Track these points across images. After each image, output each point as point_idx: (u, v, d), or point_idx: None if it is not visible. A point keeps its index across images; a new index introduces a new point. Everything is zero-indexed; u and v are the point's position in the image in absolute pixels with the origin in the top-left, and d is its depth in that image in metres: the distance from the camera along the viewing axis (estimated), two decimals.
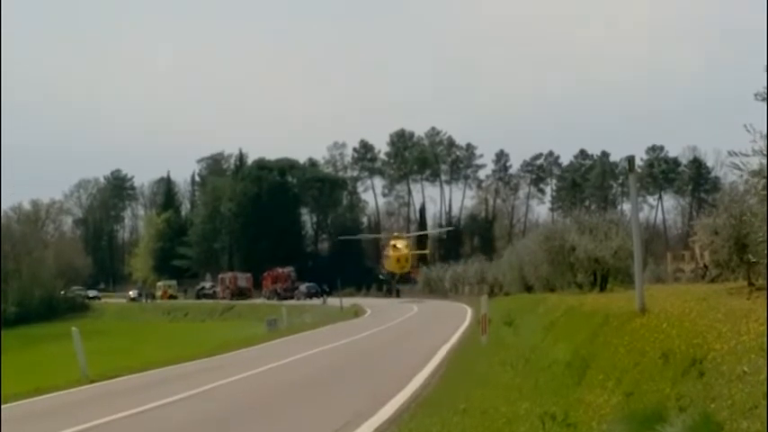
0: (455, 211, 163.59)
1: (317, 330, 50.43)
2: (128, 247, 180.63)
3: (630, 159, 19.81)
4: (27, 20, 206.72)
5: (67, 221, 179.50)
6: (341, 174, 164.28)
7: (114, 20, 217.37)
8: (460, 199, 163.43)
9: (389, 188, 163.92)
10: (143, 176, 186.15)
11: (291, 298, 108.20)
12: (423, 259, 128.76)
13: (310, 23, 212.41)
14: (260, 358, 30.29)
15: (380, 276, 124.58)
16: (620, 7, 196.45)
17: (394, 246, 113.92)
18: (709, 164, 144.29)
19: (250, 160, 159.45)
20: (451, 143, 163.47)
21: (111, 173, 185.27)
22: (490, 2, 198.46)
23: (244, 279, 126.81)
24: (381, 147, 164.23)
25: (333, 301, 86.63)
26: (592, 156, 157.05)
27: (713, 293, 20.05)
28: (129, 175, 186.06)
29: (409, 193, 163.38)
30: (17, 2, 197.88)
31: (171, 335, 76.52)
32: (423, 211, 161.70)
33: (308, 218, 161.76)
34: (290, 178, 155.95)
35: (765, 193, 14.96)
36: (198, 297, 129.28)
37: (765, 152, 14.23)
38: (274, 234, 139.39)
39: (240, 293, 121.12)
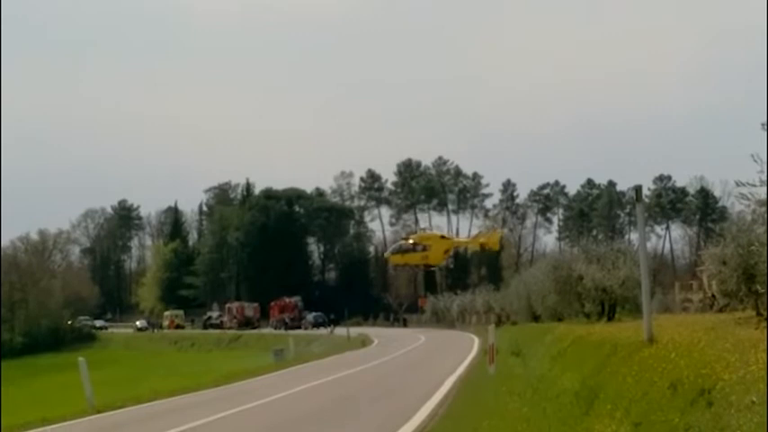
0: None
1: (325, 360, 50.33)
2: (135, 277, 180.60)
3: (638, 189, 19.83)
4: (34, 51, 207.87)
5: (75, 251, 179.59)
6: (348, 203, 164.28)
7: (122, 50, 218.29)
8: (468, 228, 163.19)
9: (396, 218, 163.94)
10: (150, 206, 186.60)
11: (299, 327, 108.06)
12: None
13: (318, 56, 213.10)
14: (266, 388, 30.22)
15: (432, 269, 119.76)
16: (628, 38, 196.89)
17: (441, 236, 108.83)
18: (717, 193, 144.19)
19: (257, 190, 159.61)
20: (458, 172, 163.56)
21: (119, 202, 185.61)
22: (496, 32, 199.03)
23: (251, 309, 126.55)
24: (388, 176, 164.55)
25: (340, 330, 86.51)
26: (599, 185, 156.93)
27: (721, 323, 20.01)
28: (135, 205, 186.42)
29: (416, 222, 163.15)
30: (23, 33, 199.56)
31: (178, 365, 76.37)
32: None
33: (315, 247, 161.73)
34: (297, 208, 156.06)
35: None
36: (205, 327, 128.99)
37: None
38: (281, 264, 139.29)
39: (247, 323, 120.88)
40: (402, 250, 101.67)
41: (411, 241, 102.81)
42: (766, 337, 12.61)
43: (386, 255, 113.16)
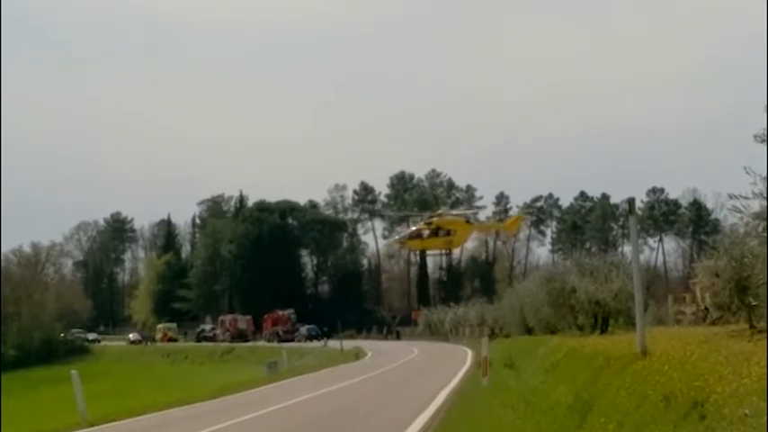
0: (456, 253, 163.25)
1: (318, 373, 50.29)
2: (128, 290, 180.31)
3: (631, 201, 19.89)
4: (29, 65, 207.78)
5: (67, 264, 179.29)
6: (341, 216, 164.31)
7: (115, 67, 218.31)
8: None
9: (390, 230, 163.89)
10: (143, 219, 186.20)
11: (292, 340, 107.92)
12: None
13: (312, 70, 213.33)
14: (260, 401, 30.18)
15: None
16: (621, 51, 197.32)
17: (466, 221, 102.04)
18: (710, 206, 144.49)
19: (250, 202, 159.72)
20: (451, 185, 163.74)
21: (111, 215, 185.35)
22: (491, 44, 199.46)
23: (244, 321, 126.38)
24: (382, 189, 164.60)
25: (333, 343, 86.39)
26: (592, 198, 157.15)
27: (714, 336, 20.03)
28: (129, 218, 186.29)
29: None
30: (17, 47, 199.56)
31: (171, 378, 76.18)
32: (423, 253, 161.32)
33: (308, 260, 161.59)
34: (290, 220, 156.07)
35: (766, 235, 14.99)
36: (198, 340, 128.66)
37: (766, 195, 14.28)
38: (274, 276, 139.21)
39: (240, 336, 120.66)
40: (422, 235, 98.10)
41: (434, 226, 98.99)
42: (767, 350, 12.62)
43: (397, 240, 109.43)
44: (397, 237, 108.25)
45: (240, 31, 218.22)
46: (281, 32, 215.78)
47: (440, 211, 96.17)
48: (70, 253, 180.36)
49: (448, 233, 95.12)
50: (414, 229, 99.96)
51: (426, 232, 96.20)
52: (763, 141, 13.46)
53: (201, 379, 65.37)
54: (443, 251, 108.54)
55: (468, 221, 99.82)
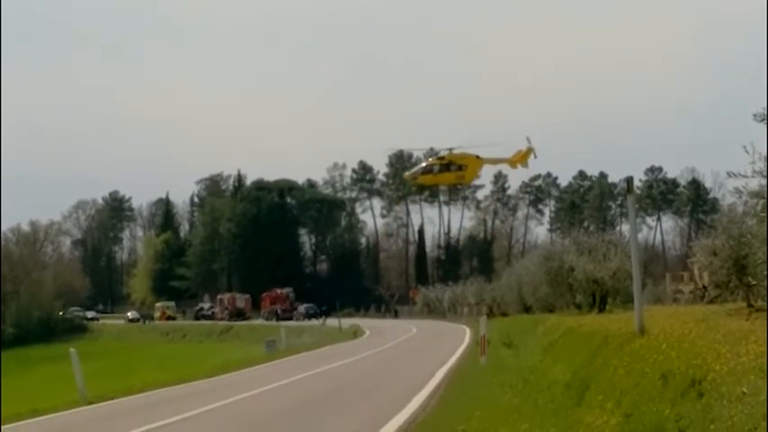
0: (454, 231, 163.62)
1: (316, 351, 50.32)
2: (126, 269, 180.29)
3: (629, 180, 19.86)
4: (28, 49, 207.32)
5: (66, 243, 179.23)
6: (340, 195, 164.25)
7: (116, 46, 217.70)
8: (459, 220, 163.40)
9: (388, 209, 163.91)
10: (141, 197, 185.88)
11: (290, 319, 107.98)
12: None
13: (313, 54, 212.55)
14: (258, 379, 30.22)
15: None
16: (619, 32, 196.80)
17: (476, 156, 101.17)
18: (708, 185, 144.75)
19: (249, 181, 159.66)
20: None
21: (110, 194, 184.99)
22: (490, 27, 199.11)
23: (242, 300, 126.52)
24: (380, 167, 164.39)
25: (332, 321, 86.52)
26: (590, 177, 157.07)
27: (712, 314, 20.05)
28: (127, 197, 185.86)
29: (408, 214, 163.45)
30: (16, 30, 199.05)
31: (169, 356, 76.32)
32: (421, 232, 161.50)
33: (306, 239, 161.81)
34: (288, 199, 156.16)
35: (765, 214, 14.96)
36: (196, 318, 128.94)
37: (765, 173, 14.24)
38: (273, 255, 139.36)
39: (239, 314, 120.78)
40: (433, 170, 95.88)
41: (445, 161, 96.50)
42: (766, 329, 12.62)
43: (408, 175, 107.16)
44: (407, 173, 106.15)
45: (240, 14, 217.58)
46: (282, 16, 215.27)
47: (450, 147, 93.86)
48: (69, 231, 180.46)
49: (459, 168, 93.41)
50: (424, 164, 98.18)
51: (437, 167, 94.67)
52: (762, 120, 13.37)
53: (200, 357, 65.49)
54: (456, 186, 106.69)
55: (478, 157, 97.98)
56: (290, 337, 64.30)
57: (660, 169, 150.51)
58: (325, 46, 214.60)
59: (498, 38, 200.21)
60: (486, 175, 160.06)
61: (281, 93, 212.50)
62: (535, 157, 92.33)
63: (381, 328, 76.72)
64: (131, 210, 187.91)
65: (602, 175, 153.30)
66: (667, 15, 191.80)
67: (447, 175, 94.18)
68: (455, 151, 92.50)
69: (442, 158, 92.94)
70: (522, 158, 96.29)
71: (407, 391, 22.49)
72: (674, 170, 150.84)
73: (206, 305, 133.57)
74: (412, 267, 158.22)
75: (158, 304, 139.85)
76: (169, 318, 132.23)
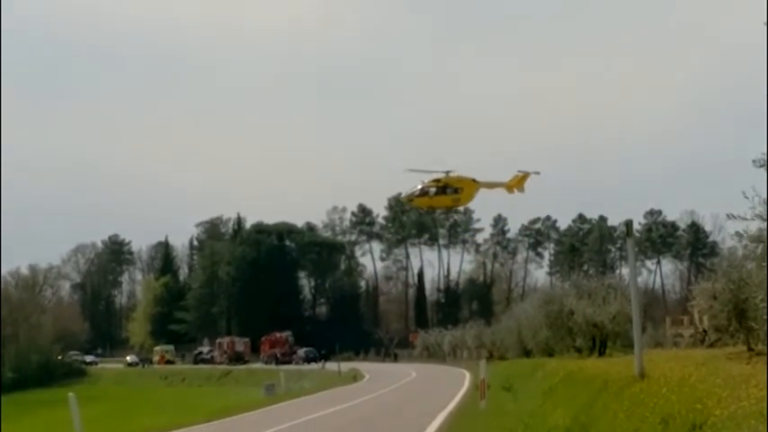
0: (453, 275, 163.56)
1: (316, 395, 50.15)
2: (125, 312, 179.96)
3: (628, 224, 19.92)
4: (27, 88, 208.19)
5: (65, 286, 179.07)
6: (339, 238, 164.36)
7: (115, 86, 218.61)
8: (459, 263, 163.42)
9: (387, 252, 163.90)
10: (141, 241, 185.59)
11: (290, 363, 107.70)
12: None
13: (309, 93, 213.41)
14: (258, 424, 30.13)
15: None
16: (620, 73, 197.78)
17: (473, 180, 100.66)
18: (707, 228, 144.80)
19: (248, 224, 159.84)
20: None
21: (109, 237, 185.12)
22: (488, 66, 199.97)
23: (241, 344, 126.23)
24: (380, 211, 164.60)
25: (331, 365, 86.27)
26: (590, 220, 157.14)
27: (712, 358, 20.03)
28: (126, 240, 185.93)
29: (407, 257, 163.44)
30: (18, 68, 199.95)
31: (168, 400, 76.01)
32: (421, 275, 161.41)
33: (306, 282, 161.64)
34: (288, 242, 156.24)
35: (764, 258, 15.02)
36: (195, 362, 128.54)
37: (766, 217, 14.31)
38: (272, 298, 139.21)
39: (238, 358, 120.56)
40: (429, 193, 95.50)
41: (441, 184, 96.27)
42: (766, 373, 12.62)
43: (404, 197, 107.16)
44: (403, 195, 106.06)
45: (236, 46, 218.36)
46: (280, 49, 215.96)
47: (447, 171, 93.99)
48: (68, 275, 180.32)
49: (456, 191, 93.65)
50: (421, 186, 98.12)
51: (433, 189, 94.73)
52: (761, 166, 13.49)
53: (199, 401, 65.20)
54: (451, 209, 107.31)
55: (474, 180, 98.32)
56: (290, 381, 64.17)
57: (660, 212, 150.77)
58: (325, 96, 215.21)
59: (495, 77, 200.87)
60: (485, 218, 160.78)
61: (281, 137, 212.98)
62: (537, 173, 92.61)
63: (381, 372, 76.49)
64: (131, 253, 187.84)
65: (602, 219, 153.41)
66: (670, 56, 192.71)
67: (443, 197, 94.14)
68: (451, 174, 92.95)
69: (438, 180, 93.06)
70: (518, 183, 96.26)
71: None
72: (673, 213, 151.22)
73: (205, 349, 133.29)
74: (411, 310, 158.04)
75: (157, 348, 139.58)
76: (168, 362, 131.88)
